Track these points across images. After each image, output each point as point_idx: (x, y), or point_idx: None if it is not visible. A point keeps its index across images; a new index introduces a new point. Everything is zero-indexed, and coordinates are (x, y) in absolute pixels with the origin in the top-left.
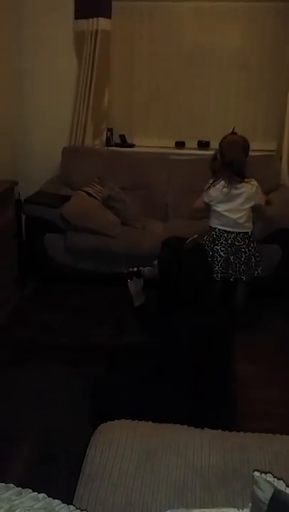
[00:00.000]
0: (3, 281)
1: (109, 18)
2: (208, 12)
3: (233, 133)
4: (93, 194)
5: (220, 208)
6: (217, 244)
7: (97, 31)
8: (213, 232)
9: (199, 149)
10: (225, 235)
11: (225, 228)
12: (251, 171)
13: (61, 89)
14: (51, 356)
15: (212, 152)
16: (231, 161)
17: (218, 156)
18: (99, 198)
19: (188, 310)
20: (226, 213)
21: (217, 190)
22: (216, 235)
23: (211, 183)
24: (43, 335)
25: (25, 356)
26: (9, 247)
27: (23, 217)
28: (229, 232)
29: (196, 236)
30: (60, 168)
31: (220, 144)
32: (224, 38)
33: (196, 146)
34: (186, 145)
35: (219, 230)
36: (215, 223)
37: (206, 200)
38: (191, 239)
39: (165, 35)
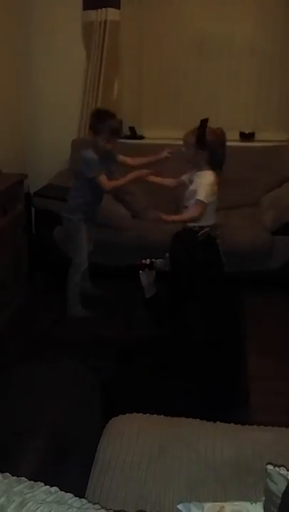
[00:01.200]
0: (13, 275)
1: (118, 8)
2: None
3: (204, 125)
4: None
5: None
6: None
7: (105, 22)
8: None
9: None
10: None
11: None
12: (264, 162)
13: (70, 81)
14: (62, 350)
15: None
16: (221, 159)
17: (201, 149)
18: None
19: (199, 303)
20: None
21: (214, 183)
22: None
23: (202, 182)
24: (53, 329)
25: (36, 350)
26: (19, 240)
27: (33, 210)
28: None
29: (208, 229)
30: (69, 161)
31: (201, 137)
32: (235, 26)
33: None
34: None
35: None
36: (210, 221)
37: (208, 201)
38: (202, 232)
39: (174, 25)
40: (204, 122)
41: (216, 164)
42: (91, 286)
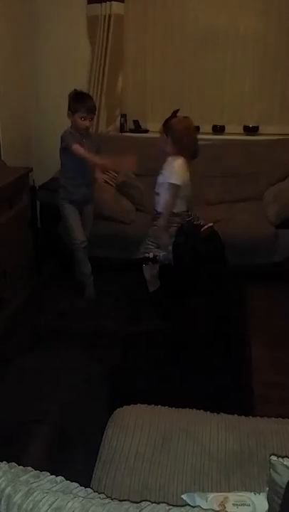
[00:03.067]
0: (19, 268)
1: (122, 1)
2: None
3: (175, 116)
4: (108, 181)
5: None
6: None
7: (110, 15)
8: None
9: (214, 134)
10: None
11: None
12: (267, 155)
13: (74, 75)
14: (68, 342)
15: (227, 137)
16: (189, 146)
17: (171, 139)
18: (113, 185)
19: (203, 295)
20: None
21: (182, 167)
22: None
23: (171, 166)
24: (59, 321)
25: (42, 342)
26: (25, 233)
27: (38, 204)
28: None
29: (212, 224)
30: None
31: (169, 127)
32: (239, 19)
33: (210, 130)
34: (201, 130)
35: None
36: (183, 208)
37: (179, 183)
38: (206, 226)
39: (179, 18)
40: (175, 112)
41: (185, 152)
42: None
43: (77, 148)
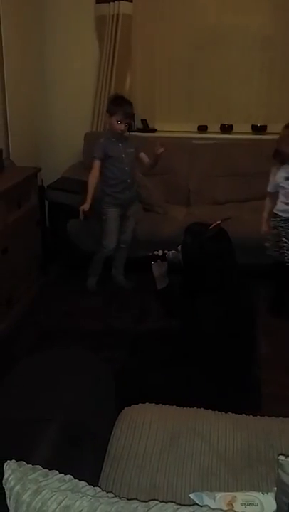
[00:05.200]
0: (28, 267)
1: (131, 1)
2: None
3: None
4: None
5: None
6: None
7: (118, 15)
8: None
9: (222, 133)
10: None
11: None
12: None
13: (83, 75)
14: (75, 341)
15: (235, 136)
16: None
17: None
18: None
19: (211, 294)
20: None
21: None
22: None
23: None
24: (67, 320)
25: (50, 341)
26: (33, 233)
27: (46, 203)
28: None
29: (219, 222)
30: (82, 154)
31: None
32: (247, 18)
33: (218, 130)
34: (209, 129)
35: None
36: None
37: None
38: (213, 225)
39: (187, 17)
40: None
41: None
42: (123, 278)
43: (94, 165)
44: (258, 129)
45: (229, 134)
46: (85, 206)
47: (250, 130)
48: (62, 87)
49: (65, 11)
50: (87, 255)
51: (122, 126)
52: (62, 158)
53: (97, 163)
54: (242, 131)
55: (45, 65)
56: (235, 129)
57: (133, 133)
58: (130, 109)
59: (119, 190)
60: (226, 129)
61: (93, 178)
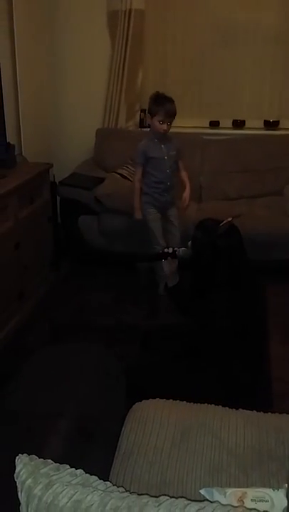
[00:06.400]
0: (40, 263)
1: None
2: None
3: None
4: (127, 176)
5: None
6: None
7: (130, 10)
8: None
9: (234, 129)
10: None
11: None
12: (288, 150)
13: (94, 71)
14: (87, 336)
15: (247, 132)
16: None
17: None
18: (132, 180)
19: (222, 291)
20: None
21: None
22: None
23: None
24: (79, 315)
25: (62, 336)
26: (45, 229)
27: (58, 199)
28: None
29: (231, 219)
30: (93, 150)
31: None
32: (259, 14)
33: (230, 125)
34: (221, 124)
35: None
36: None
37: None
38: (225, 221)
39: (199, 13)
40: None
41: None
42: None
43: (137, 171)
44: (270, 125)
45: (241, 129)
46: (138, 215)
47: (262, 126)
48: (74, 83)
49: (76, 6)
50: (98, 251)
51: (165, 126)
52: (73, 154)
53: (139, 170)
54: (254, 127)
55: (56, 61)
56: (247, 125)
57: (145, 129)
58: (172, 106)
59: (159, 192)
60: (238, 124)
61: (138, 183)
